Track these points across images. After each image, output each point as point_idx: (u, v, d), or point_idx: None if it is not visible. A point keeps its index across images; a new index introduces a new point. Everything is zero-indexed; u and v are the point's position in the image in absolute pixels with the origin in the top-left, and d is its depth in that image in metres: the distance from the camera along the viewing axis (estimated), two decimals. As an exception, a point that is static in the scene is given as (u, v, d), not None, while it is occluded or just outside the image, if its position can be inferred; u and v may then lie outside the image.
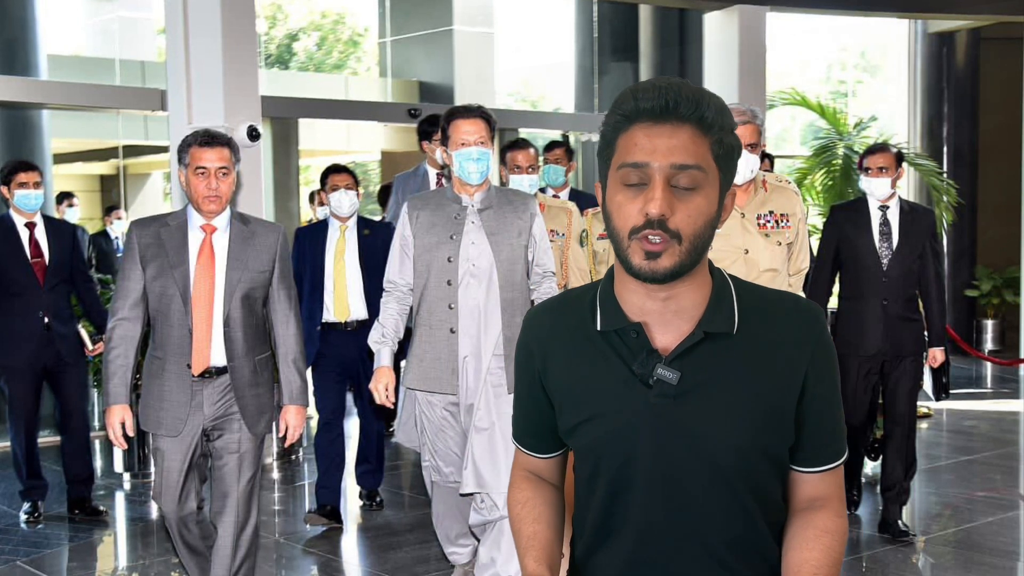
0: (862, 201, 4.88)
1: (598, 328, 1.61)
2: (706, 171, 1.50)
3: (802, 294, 4.06)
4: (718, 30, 9.09)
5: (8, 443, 5.55)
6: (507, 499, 1.80)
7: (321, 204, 7.57)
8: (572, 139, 9.64)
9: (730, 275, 1.63)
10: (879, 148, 4.86)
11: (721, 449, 1.56)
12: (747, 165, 3.68)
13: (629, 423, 1.57)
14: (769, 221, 3.88)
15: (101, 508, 5.43)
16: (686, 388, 1.55)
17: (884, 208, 4.81)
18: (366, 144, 13.28)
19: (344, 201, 5.03)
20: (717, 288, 1.59)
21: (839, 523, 1.63)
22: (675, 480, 1.57)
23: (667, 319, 1.57)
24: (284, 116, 8.80)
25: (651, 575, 1.61)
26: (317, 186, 6.91)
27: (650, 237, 1.49)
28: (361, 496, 5.52)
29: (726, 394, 1.56)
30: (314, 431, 5.35)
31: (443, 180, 5.54)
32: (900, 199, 4.87)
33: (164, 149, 7.85)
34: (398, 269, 3.88)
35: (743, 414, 1.56)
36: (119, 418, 3.50)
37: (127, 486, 6.08)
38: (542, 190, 5.48)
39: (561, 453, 1.80)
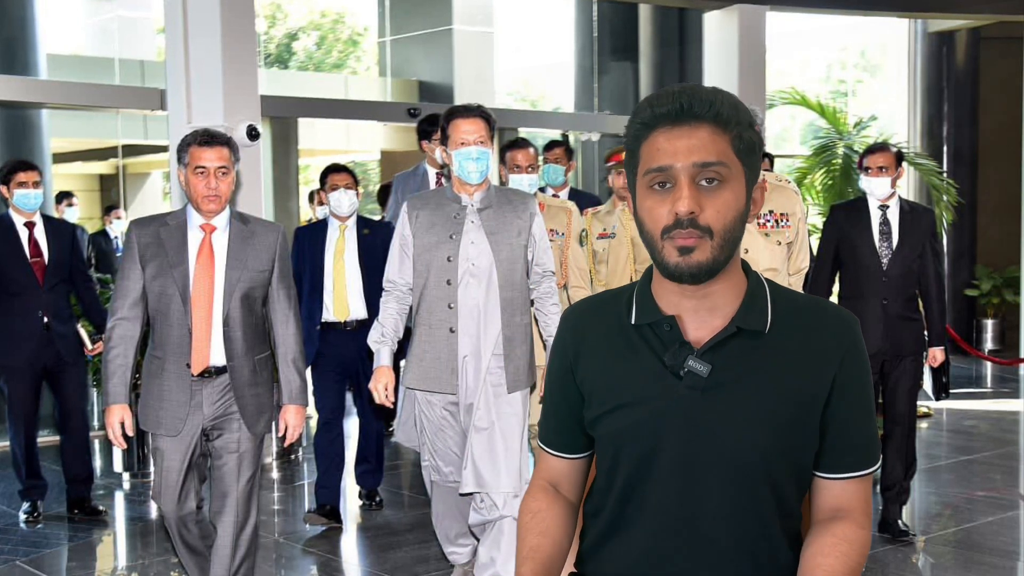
0: (862, 200, 4.87)
1: (632, 322, 1.64)
2: (729, 166, 1.54)
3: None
4: (718, 29, 9.08)
5: (7, 443, 5.55)
6: (520, 506, 1.82)
7: (320, 204, 7.57)
8: (572, 139, 9.64)
9: (766, 278, 1.66)
10: (879, 147, 4.86)
11: (744, 446, 1.57)
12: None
13: (656, 414, 1.59)
14: (769, 220, 3.88)
15: (100, 508, 5.42)
16: (715, 382, 1.57)
17: (884, 207, 4.81)
18: (366, 143, 13.28)
19: (343, 200, 5.03)
20: (752, 287, 1.62)
21: (860, 534, 1.62)
22: (695, 474, 1.59)
23: (701, 315, 1.60)
24: (283, 115, 8.80)
25: (661, 569, 1.62)
26: (316, 185, 6.91)
27: (682, 235, 1.52)
28: (361, 496, 5.52)
29: (754, 391, 1.57)
30: (313, 431, 5.35)
31: (443, 179, 5.53)
32: (900, 198, 4.86)
33: (163, 148, 7.85)
34: (398, 268, 3.87)
35: (769, 413, 1.57)
36: (118, 418, 3.49)
37: (126, 486, 6.08)
38: (542, 189, 5.47)
39: (585, 457, 1.79)
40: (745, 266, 1.64)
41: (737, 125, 1.54)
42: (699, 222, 1.51)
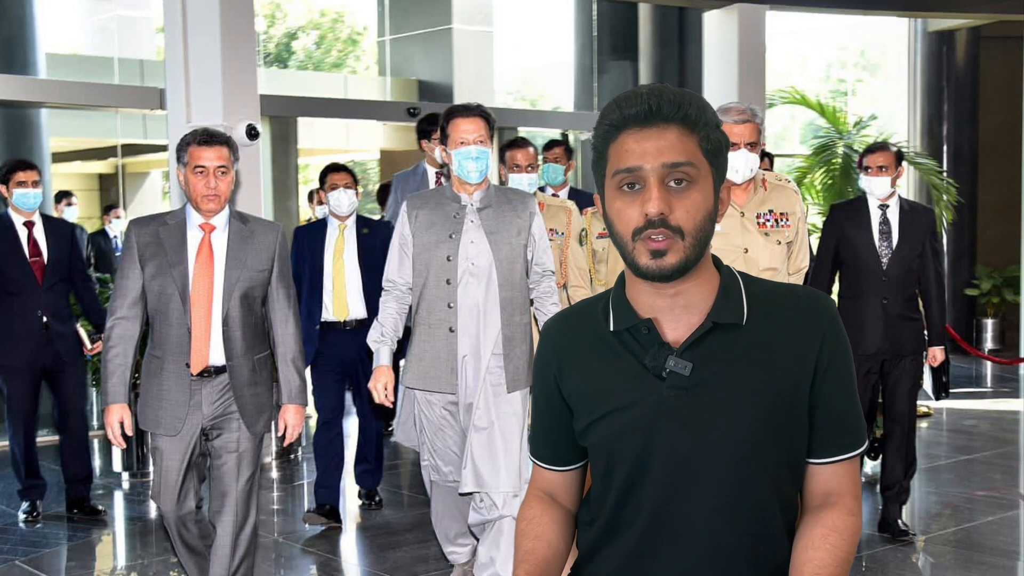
0: (862, 200, 4.87)
1: (611, 328, 1.64)
2: (698, 167, 1.55)
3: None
4: (718, 29, 9.08)
5: (7, 442, 5.54)
6: (517, 514, 1.82)
7: (320, 203, 7.56)
8: (571, 138, 9.64)
9: (738, 271, 1.66)
10: (879, 147, 4.85)
11: (735, 439, 1.57)
12: (747, 164, 3.67)
13: (644, 417, 1.59)
14: (769, 220, 3.87)
15: (100, 507, 5.42)
16: (699, 380, 1.58)
17: (884, 207, 4.81)
18: (365, 143, 13.28)
19: (343, 200, 5.02)
20: (725, 282, 1.62)
21: (850, 521, 1.62)
22: (689, 473, 1.59)
23: (677, 314, 1.61)
24: (283, 115, 8.79)
25: (660, 569, 1.62)
26: (316, 185, 6.90)
27: (653, 236, 1.52)
28: (360, 495, 5.51)
29: (739, 385, 1.58)
30: (313, 430, 5.35)
31: (442, 179, 5.53)
32: (900, 198, 4.86)
33: (163, 148, 7.85)
34: (397, 268, 3.87)
35: (756, 405, 1.57)
36: (118, 417, 3.49)
37: (126, 485, 6.07)
38: (541, 189, 5.47)
39: (579, 467, 1.79)
40: (716, 261, 1.64)
41: (705, 126, 1.56)
42: (670, 223, 1.52)
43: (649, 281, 1.57)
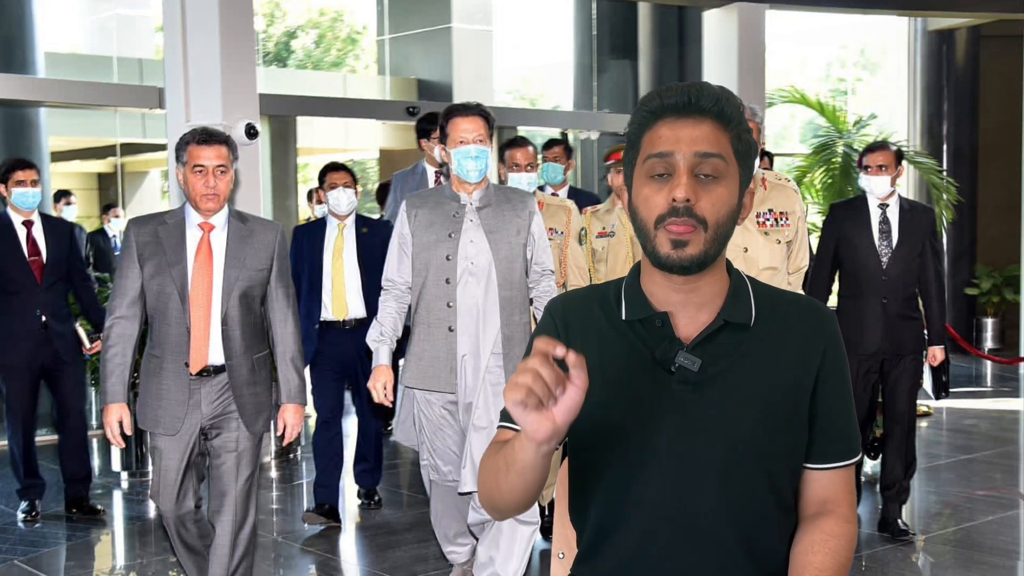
0: (861, 199, 4.87)
1: (623, 318, 1.64)
2: (728, 162, 1.57)
3: (801, 292, 4.05)
4: (717, 28, 9.08)
5: (6, 442, 5.54)
6: (480, 461, 1.72)
7: (319, 202, 7.56)
8: (571, 137, 9.63)
9: (745, 275, 1.69)
10: (879, 146, 4.85)
11: (737, 438, 1.58)
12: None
13: (649, 409, 1.59)
14: (768, 219, 3.87)
15: (99, 507, 5.41)
16: (706, 376, 1.59)
17: (884, 206, 4.80)
18: (364, 142, 13.27)
19: (342, 199, 5.02)
20: (735, 283, 1.65)
21: (847, 528, 1.65)
22: (690, 469, 1.59)
23: (690, 311, 1.62)
24: (282, 114, 8.79)
25: (660, 566, 1.61)
26: (315, 184, 6.90)
27: (677, 222, 1.54)
28: (359, 495, 5.51)
29: (745, 384, 1.59)
30: (312, 430, 5.34)
31: (441, 178, 5.52)
32: (900, 197, 4.85)
33: (162, 147, 7.84)
34: (396, 267, 3.87)
35: (760, 403, 1.59)
36: (117, 417, 3.49)
37: (125, 485, 6.07)
38: (541, 188, 5.46)
39: (555, 450, 1.72)
40: (727, 264, 1.67)
41: (739, 126, 1.59)
42: (695, 211, 1.54)
43: (667, 273, 1.58)
